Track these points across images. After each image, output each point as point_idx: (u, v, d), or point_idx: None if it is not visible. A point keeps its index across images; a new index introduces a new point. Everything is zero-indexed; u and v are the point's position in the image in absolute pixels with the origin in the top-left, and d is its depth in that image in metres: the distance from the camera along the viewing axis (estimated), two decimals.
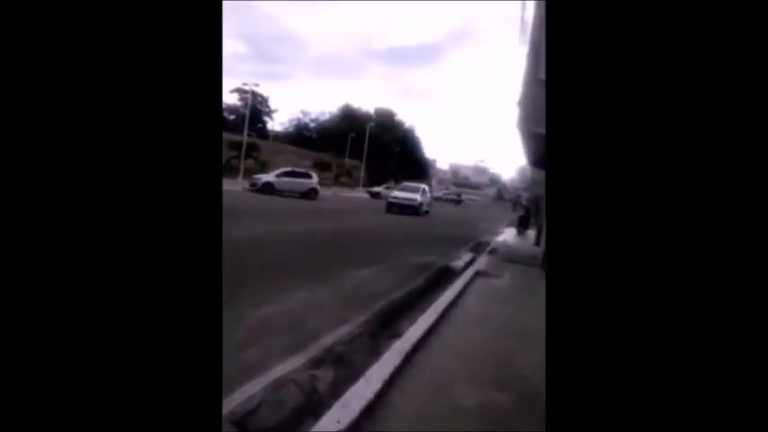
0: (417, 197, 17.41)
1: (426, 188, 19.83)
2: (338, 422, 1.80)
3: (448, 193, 43.56)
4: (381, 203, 21.21)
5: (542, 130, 8.37)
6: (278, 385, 2.17)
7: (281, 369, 2.37)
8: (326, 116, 52.44)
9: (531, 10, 7.94)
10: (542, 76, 7.35)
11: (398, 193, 17.96)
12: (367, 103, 64.14)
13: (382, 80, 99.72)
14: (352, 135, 42.01)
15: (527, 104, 8.03)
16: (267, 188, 18.02)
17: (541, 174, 14.52)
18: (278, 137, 44.28)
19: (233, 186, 18.68)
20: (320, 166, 35.90)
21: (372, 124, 43.94)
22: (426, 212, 18.36)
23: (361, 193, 32.71)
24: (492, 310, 4.06)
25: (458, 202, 35.13)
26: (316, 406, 2.02)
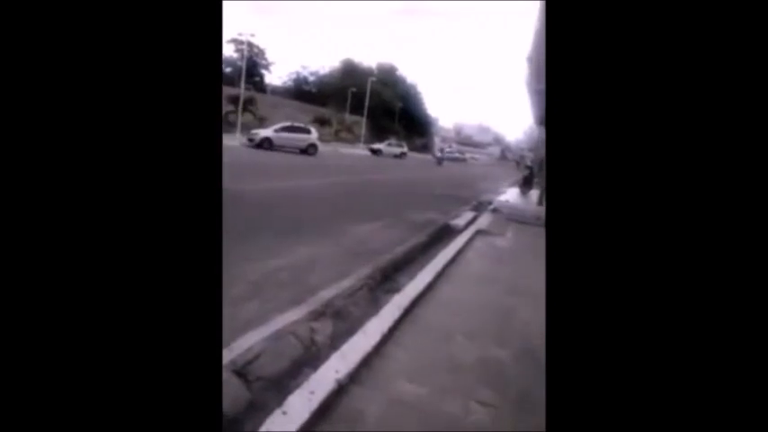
0: None
1: None
2: (336, 372, 1.81)
3: (451, 152, 43.04)
4: (382, 160, 20.95)
5: None
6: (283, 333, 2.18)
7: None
8: (326, 70, 50.87)
9: None
10: None
11: None
12: (369, 58, 61.76)
13: (385, 33, 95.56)
14: (353, 90, 40.86)
15: (537, 60, 7.68)
16: (266, 143, 17.74)
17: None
18: (276, 91, 43.17)
19: (230, 141, 18.37)
20: (320, 122, 35.23)
21: (374, 79, 42.59)
22: None
23: (361, 150, 32.28)
24: (492, 268, 4.06)
25: (440, 160, 28.25)
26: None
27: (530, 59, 8.54)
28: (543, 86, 8.14)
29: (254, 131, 19.24)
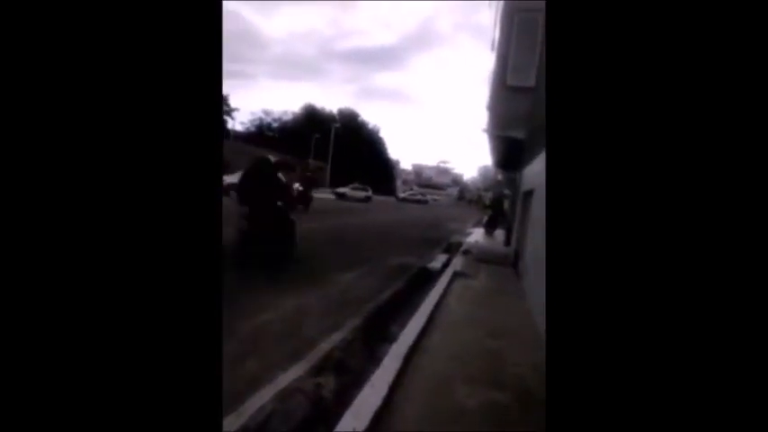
0: None
1: None
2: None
3: (413, 194, 44.20)
4: (348, 204, 21.20)
5: (509, 134, 8.74)
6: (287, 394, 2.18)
7: None
8: (289, 116, 51.72)
9: (498, 21, 8.24)
10: (510, 82, 7.66)
11: None
12: (330, 104, 63.42)
13: (344, 81, 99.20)
14: (317, 136, 41.58)
15: (495, 110, 8.33)
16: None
17: (506, 175, 15.06)
18: (239, 136, 43.11)
19: None
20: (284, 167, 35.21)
21: (337, 125, 43.69)
22: None
23: (326, 194, 32.46)
24: (474, 311, 4.20)
25: (403, 200, 27.48)
26: None
27: (489, 108, 9.22)
28: (502, 133, 8.78)
29: None
